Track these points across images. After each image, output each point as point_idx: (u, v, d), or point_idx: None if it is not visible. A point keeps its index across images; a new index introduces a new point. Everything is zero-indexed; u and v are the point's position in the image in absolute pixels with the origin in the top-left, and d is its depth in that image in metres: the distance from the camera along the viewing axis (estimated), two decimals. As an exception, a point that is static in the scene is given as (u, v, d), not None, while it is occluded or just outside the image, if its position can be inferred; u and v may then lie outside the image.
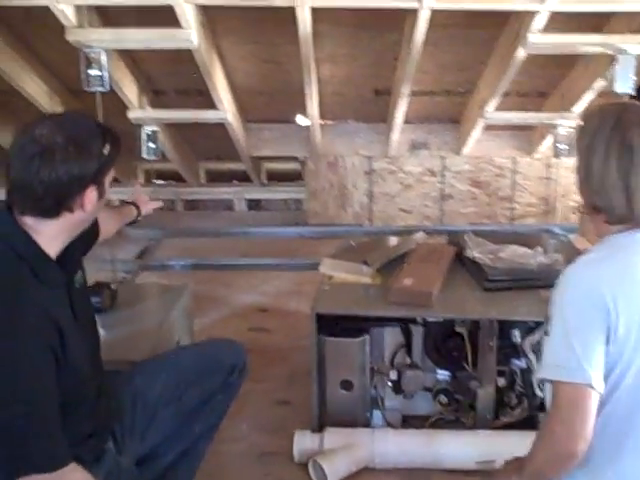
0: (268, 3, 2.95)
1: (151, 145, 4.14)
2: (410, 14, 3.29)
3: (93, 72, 3.07)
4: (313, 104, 4.23)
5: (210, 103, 4.11)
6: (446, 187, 5.10)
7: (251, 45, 3.82)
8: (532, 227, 5.03)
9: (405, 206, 5.10)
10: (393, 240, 3.16)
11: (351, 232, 4.56)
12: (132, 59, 3.93)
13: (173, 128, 4.91)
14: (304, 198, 5.54)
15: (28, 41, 3.70)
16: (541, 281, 2.50)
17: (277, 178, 6.31)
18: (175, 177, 6.10)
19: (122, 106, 4.13)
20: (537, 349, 2.36)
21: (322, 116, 4.69)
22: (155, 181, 6.47)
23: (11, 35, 3.60)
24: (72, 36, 3.04)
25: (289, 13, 3.16)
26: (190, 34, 3.08)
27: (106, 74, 3.07)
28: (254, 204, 6.12)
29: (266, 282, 3.98)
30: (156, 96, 4.49)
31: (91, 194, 1.50)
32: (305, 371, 2.49)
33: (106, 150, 1.52)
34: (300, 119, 4.84)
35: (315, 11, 3.32)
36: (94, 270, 1.93)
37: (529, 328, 2.41)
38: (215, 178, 6.30)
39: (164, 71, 4.17)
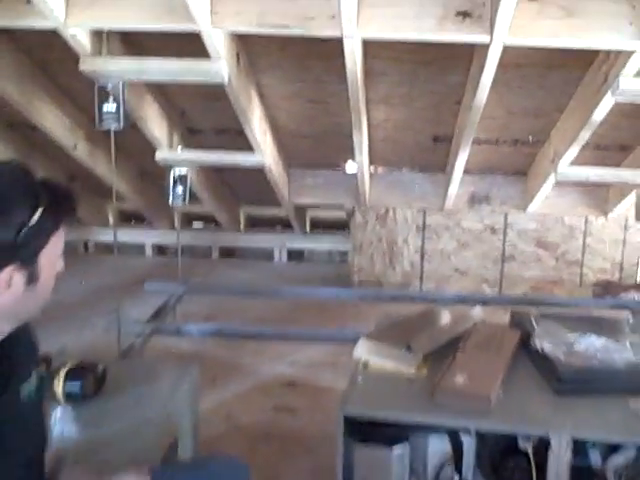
0: (313, 33, 2.52)
1: (179, 190, 3.72)
2: (478, 50, 2.82)
3: (108, 107, 2.68)
4: (363, 149, 3.77)
5: (250, 145, 3.71)
6: (508, 247, 4.57)
7: (294, 82, 3.40)
8: (607, 302, 4.40)
9: (461, 266, 4.58)
10: (445, 316, 2.64)
11: (398, 298, 4.04)
12: (162, 92, 3.54)
13: (209, 169, 4.51)
14: (349, 251, 5.09)
15: (48, 69, 3.36)
16: (629, 385, 1.97)
17: (322, 226, 5.89)
18: (216, 220, 5.74)
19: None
20: (624, 476, 1.85)
21: (372, 163, 4.24)
22: (195, 224, 6.10)
23: (29, 63, 3.26)
24: (86, 65, 2.66)
25: (337, 46, 2.72)
26: (220, 67, 2.66)
27: (122, 109, 2.68)
28: (296, 254, 5.69)
29: (298, 351, 3.50)
30: (192, 135, 4.11)
31: (12, 275, 1.07)
32: (332, 468, 2.01)
33: (35, 218, 1.08)
34: (348, 165, 4.40)
35: (367, 45, 2.89)
36: (98, 331, 1.54)
37: (613, 447, 1.88)
38: (257, 223, 5.90)
39: (200, 107, 3.77)
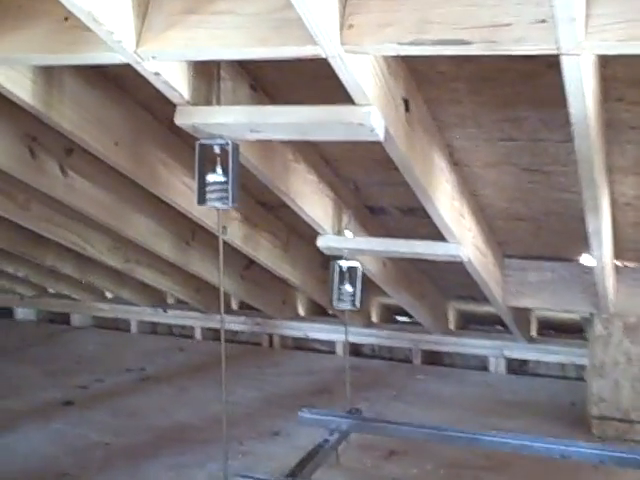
0: (510, 49, 1.52)
1: (347, 289, 2.82)
2: None
3: (213, 177, 1.88)
4: (602, 238, 2.63)
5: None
6: None
7: (498, 142, 2.38)
8: None
9: None
10: None
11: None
12: (318, 154, 2.70)
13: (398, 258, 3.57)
14: (587, 371, 3.85)
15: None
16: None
17: (553, 328, 4.66)
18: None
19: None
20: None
21: (618, 256, 3.05)
22: (397, 318, 5.15)
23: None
24: (183, 118, 1.88)
25: (555, 77, 1.69)
26: (368, 115, 1.74)
27: (232, 182, 1.85)
28: (517, 364, 4.51)
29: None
30: (373, 214, 3.22)
31: None
32: None
33: None
34: (584, 258, 3.24)
35: (606, 73, 1.84)
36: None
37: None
38: (470, 320, 4.82)
39: (377, 177, 2.87)
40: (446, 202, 2.50)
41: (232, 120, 1.86)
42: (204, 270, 3.90)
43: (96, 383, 4.24)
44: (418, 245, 2.76)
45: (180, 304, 5.15)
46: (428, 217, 3.01)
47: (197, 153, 1.91)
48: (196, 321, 5.16)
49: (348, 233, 2.90)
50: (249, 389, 4.14)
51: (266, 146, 2.26)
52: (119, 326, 5.49)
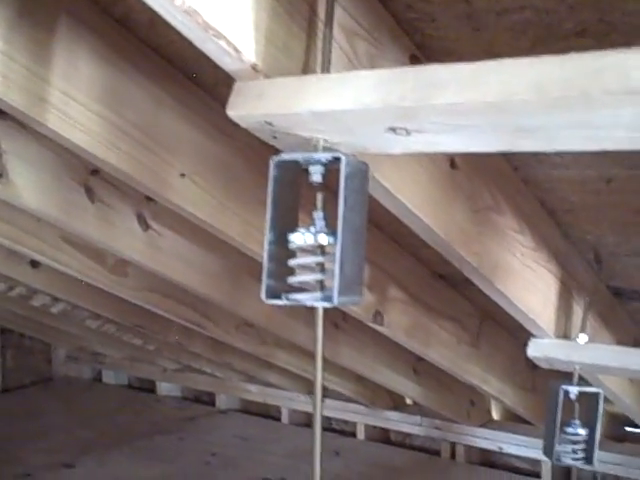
0: None
1: (579, 431, 1.63)
2: None
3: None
4: None
5: None
6: None
7: None
8: None
9: None
10: None
11: None
12: (539, 196, 1.53)
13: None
14: None
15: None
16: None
17: None
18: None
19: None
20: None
21: None
22: (627, 429, 3.77)
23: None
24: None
25: None
26: None
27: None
28: None
29: None
30: (621, 302, 1.99)
31: None
32: None
33: None
34: None
35: None
36: None
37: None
38: None
39: (636, 238, 1.67)
40: None
41: (349, 104, 0.79)
42: (358, 362, 2.83)
43: (219, 501, 3.28)
44: None
45: (341, 394, 4.10)
46: None
47: (271, 183, 0.85)
48: (358, 416, 4.09)
49: (582, 337, 1.70)
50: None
51: (437, 174, 1.17)
52: (270, 413, 4.54)
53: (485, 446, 3.71)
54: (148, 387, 5.11)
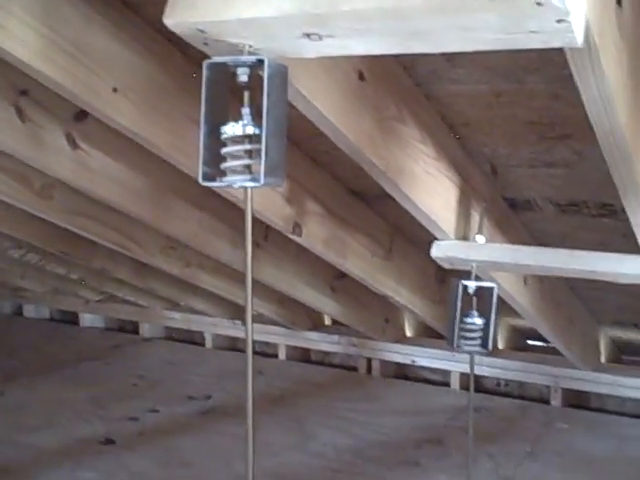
0: None
1: (474, 321, 1.85)
2: None
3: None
4: None
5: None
6: None
7: None
8: None
9: None
10: None
11: None
12: (440, 111, 1.72)
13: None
14: None
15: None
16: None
17: None
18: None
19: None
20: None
21: None
22: (529, 342, 4.10)
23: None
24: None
25: None
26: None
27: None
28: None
29: None
30: (515, 211, 2.22)
31: None
32: None
33: None
34: None
35: None
36: None
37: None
38: (630, 352, 3.71)
39: (525, 151, 1.88)
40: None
41: (271, 12, 0.92)
42: (279, 279, 3.00)
43: (149, 415, 3.43)
44: (596, 260, 1.74)
45: (262, 316, 4.28)
46: (598, 216, 2.03)
47: (204, 84, 0.98)
48: (280, 338, 4.29)
49: (479, 238, 1.91)
50: (337, 433, 3.23)
51: (347, 85, 1.33)
52: (194, 339, 4.69)
53: (399, 360, 3.98)
54: (70, 319, 5.17)
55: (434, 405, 3.61)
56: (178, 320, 4.66)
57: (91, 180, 2.09)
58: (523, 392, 3.79)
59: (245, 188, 1.00)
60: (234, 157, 0.98)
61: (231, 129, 0.98)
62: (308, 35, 0.94)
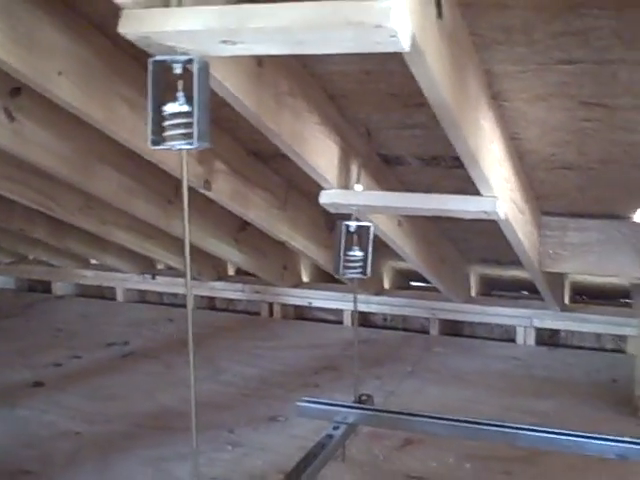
0: None
1: (355, 254, 2.31)
2: None
3: (173, 108, 1.35)
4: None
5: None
6: None
7: (556, 66, 1.83)
8: None
9: None
10: None
11: None
12: (322, 87, 2.16)
13: (417, 216, 3.05)
14: (630, 342, 3.37)
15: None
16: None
17: (588, 294, 4.16)
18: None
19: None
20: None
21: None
22: (412, 284, 4.64)
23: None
24: (131, 26, 1.33)
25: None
26: (388, 11, 1.20)
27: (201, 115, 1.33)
28: (548, 336, 4.01)
29: None
30: (387, 165, 2.69)
31: None
32: None
33: None
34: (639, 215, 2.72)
35: None
36: None
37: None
38: (495, 286, 4.31)
39: (394, 120, 2.34)
40: (482, 145, 1.96)
41: (199, 26, 1.32)
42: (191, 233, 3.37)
43: (72, 360, 3.76)
44: (448, 200, 2.23)
45: (171, 270, 4.64)
46: (453, 168, 2.51)
47: (150, 75, 1.37)
48: (188, 289, 4.65)
49: (358, 187, 2.37)
50: (244, 366, 3.67)
51: (249, 70, 1.73)
52: (105, 295, 5.00)
53: (297, 303, 4.45)
54: (-19, 282, 5.36)
55: (329, 340, 4.08)
56: (90, 277, 4.94)
57: (25, 147, 2.41)
58: (406, 325, 4.34)
59: (181, 150, 1.40)
60: (173, 127, 1.38)
61: (170, 107, 1.38)
62: (225, 42, 1.34)
